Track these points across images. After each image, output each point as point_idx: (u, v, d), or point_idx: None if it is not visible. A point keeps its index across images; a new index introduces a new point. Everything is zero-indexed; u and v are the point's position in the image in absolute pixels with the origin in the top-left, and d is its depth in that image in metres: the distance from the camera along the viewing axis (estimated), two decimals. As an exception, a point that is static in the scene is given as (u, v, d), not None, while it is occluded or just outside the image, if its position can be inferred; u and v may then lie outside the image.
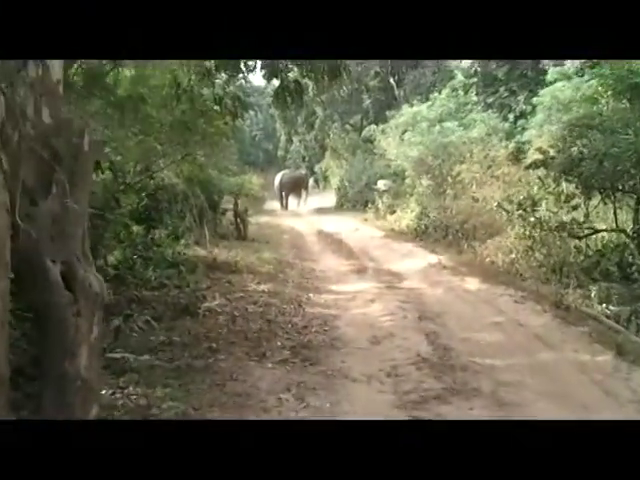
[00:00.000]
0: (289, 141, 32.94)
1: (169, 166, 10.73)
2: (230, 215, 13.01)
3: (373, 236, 14.00)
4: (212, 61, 8.70)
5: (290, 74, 8.60)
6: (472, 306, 6.81)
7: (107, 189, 8.45)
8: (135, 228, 8.70)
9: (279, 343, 5.30)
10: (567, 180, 8.02)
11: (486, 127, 14.24)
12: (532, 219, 8.77)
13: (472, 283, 7.84)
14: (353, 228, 15.94)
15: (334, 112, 27.03)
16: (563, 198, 8.25)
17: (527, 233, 8.92)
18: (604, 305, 6.17)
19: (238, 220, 12.58)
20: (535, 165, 8.31)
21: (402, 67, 24.66)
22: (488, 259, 9.11)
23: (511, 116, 16.86)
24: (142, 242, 8.07)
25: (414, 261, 9.91)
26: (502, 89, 18.12)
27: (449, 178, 12.93)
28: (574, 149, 7.21)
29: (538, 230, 8.74)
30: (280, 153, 35.43)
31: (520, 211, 9.30)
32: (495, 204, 9.64)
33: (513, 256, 8.89)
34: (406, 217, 14.76)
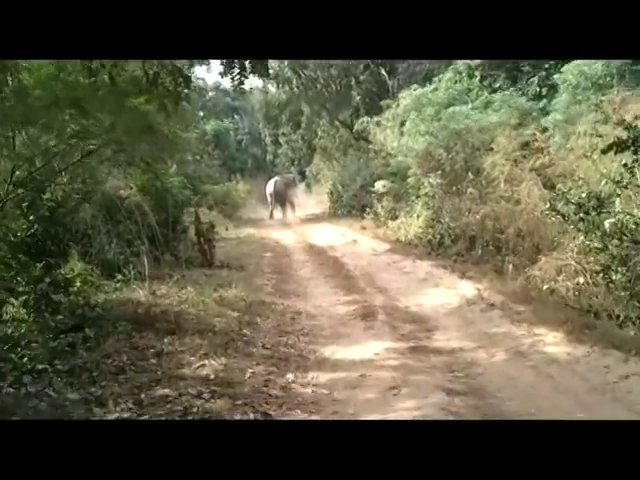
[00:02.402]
0: (276, 143, 30.33)
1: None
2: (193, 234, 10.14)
3: (375, 250, 11.27)
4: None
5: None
6: (577, 402, 3.73)
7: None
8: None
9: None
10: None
11: (510, 109, 11.51)
12: (607, 224, 6.10)
13: (553, 341, 4.85)
14: (350, 239, 13.29)
15: (321, 108, 24.33)
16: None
17: (598, 246, 6.25)
18: None
19: (201, 240, 9.70)
20: (618, 147, 5.56)
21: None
22: (546, 286, 6.37)
23: (524, 99, 14.37)
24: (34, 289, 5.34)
25: (440, 292, 7.08)
26: (505, 75, 15.52)
27: (469, 174, 10.20)
28: None
29: (616, 241, 6.09)
30: (269, 157, 32.93)
31: (581, 214, 6.65)
32: (546, 205, 6.90)
33: (581, 280, 6.21)
34: (413, 224, 12.05)
